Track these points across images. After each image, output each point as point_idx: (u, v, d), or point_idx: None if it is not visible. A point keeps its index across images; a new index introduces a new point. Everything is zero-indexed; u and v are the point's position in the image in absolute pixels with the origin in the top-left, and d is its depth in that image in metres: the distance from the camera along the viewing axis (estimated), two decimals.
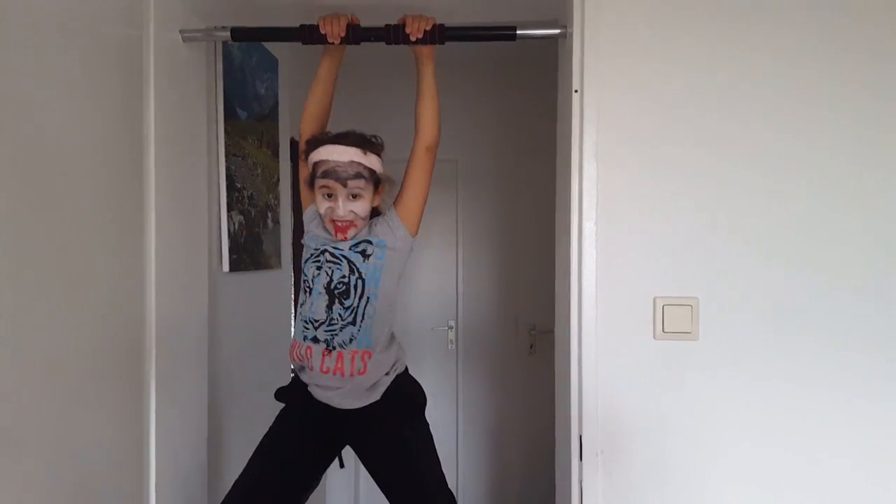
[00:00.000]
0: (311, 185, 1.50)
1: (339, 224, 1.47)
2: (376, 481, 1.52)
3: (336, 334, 1.47)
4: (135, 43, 1.40)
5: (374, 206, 1.52)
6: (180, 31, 1.55)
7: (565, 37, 1.49)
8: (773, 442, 1.43)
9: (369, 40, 1.49)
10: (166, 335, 1.49)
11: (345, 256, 1.49)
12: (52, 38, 1.13)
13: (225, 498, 1.47)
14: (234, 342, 2.02)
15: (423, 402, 1.60)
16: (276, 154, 2.36)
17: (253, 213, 2.13)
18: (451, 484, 1.55)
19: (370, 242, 1.50)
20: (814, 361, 1.42)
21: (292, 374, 1.61)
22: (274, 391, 1.61)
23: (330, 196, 1.46)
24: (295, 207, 2.69)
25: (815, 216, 1.41)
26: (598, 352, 1.43)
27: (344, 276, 1.48)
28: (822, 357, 1.41)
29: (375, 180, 1.49)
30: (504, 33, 1.48)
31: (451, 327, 3.45)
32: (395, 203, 1.54)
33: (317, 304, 1.48)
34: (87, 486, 1.24)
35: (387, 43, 1.49)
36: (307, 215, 1.59)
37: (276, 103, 2.36)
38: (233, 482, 1.48)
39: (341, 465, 1.61)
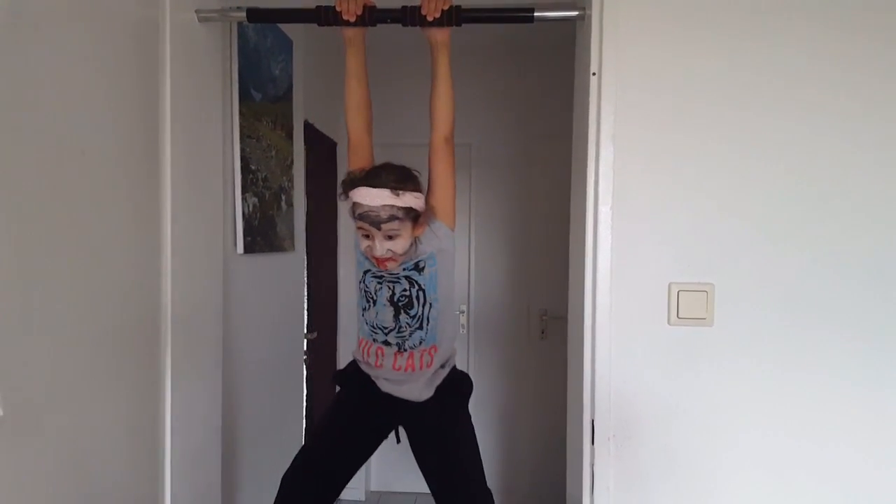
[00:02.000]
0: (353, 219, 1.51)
1: (380, 259, 1.50)
2: (420, 466, 1.60)
3: (406, 339, 1.57)
4: (151, 23, 1.40)
5: (416, 235, 1.51)
6: (196, 12, 1.54)
7: (583, 19, 1.48)
8: (785, 429, 1.42)
9: (385, 22, 1.48)
10: (181, 316, 1.50)
11: (402, 277, 1.54)
12: (68, 18, 1.13)
13: (286, 471, 1.59)
14: (249, 323, 2.04)
15: (470, 390, 1.69)
16: (290, 136, 2.36)
17: (267, 196, 2.14)
18: None
19: (422, 260, 1.54)
20: (826, 349, 1.41)
21: (351, 361, 1.70)
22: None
23: (367, 236, 1.48)
24: (308, 190, 2.69)
25: (830, 205, 1.40)
26: (611, 337, 1.43)
27: (405, 290, 1.55)
28: (835, 345, 1.41)
29: (413, 217, 1.48)
30: (522, 15, 1.47)
31: (462, 312, 3.46)
32: (429, 199, 1.51)
33: (383, 314, 1.57)
34: (102, 464, 1.25)
35: (403, 25, 1.47)
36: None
37: (291, 85, 2.36)
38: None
39: (398, 441, 1.69)
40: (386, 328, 1.58)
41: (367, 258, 1.55)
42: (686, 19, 1.41)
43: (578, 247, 1.52)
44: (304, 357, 2.76)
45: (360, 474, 3.38)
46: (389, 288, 1.55)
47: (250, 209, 2.00)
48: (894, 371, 1.40)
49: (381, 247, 1.47)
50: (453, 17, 1.45)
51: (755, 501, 1.43)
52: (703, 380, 1.43)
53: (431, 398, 1.60)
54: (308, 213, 2.72)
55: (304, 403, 2.82)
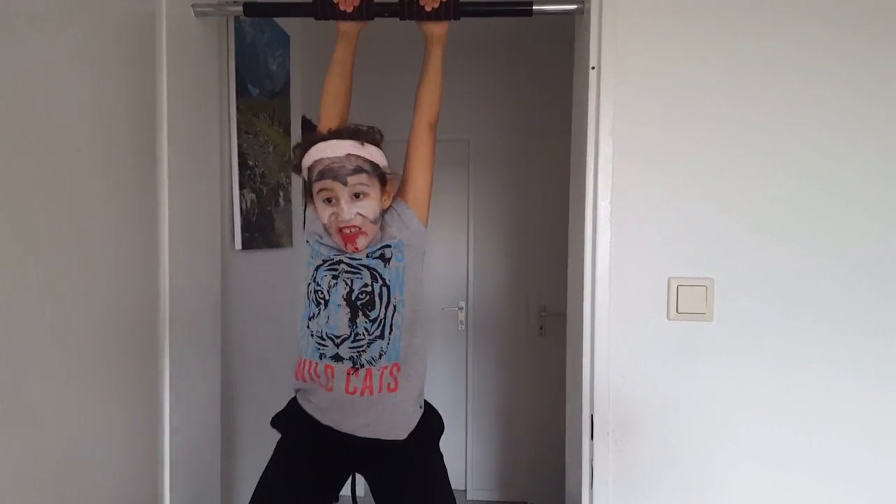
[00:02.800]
0: (310, 194, 1.34)
1: (348, 232, 1.30)
2: None
3: (363, 350, 1.32)
4: (147, 18, 1.39)
5: (385, 207, 1.37)
6: (192, 6, 1.54)
7: (582, 13, 1.47)
8: (784, 423, 1.42)
9: (383, 15, 1.47)
10: (179, 313, 1.49)
11: (364, 266, 1.34)
12: (64, 13, 1.12)
13: None
14: (247, 320, 2.03)
15: (441, 430, 1.46)
16: (287, 132, 2.35)
17: (265, 192, 2.13)
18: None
19: (388, 246, 1.35)
20: (825, 344, 1.41)
21: (292, 399, 1.47)
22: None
23: (330, 201, 1.30)
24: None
25: (829, 201, 1.40)
26: (610, 331, 1.43)
27: (366, 285, 1.32)
28: (834, 340, 1.41)
29: (380, 175, 1.33)
30: (520, 9, 1.46)
31: (461, 308, 3.46)
32: (401, 191, 1.40)
33: (335, 318, 1.32)
34: (100, 464, 1.25)
35: (400, 18, 1.47)
36: (309, 218, 1.44)
37: (288, 80, 2.35)
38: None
39: (354, 501, 1.47)
40: (338, 337, 1.31)
41: (322, 244, 1.36)
42: (687, 14, 1.40)
43: (577, 242, 1.52)
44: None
45: None
46: (346, 283, 1.32)
47: (248, 205, 1.99)
48: (893, 366, 1.40)
49: (349, 210, 1.28)
50: (451, 9, 1.44)
51: (754, 495, 1.44)
52: (702, 374, 1.43)
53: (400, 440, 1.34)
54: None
55: None
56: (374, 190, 1.31)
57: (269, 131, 2.17)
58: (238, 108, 1.90)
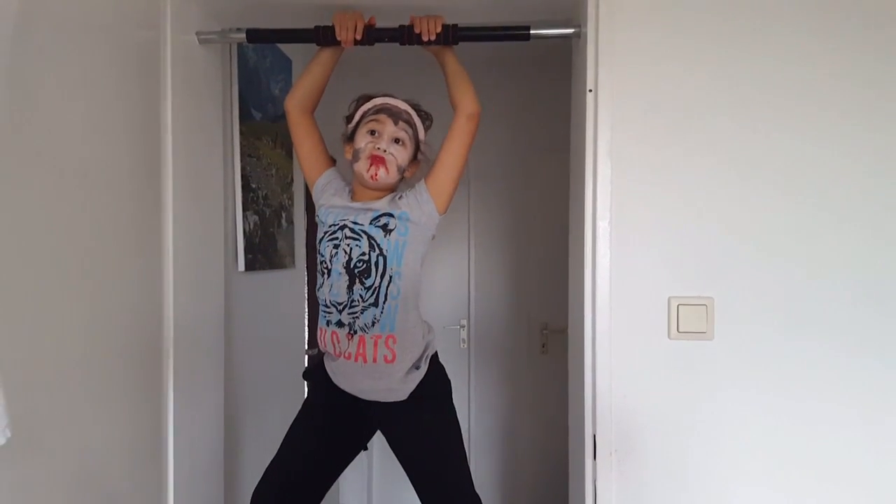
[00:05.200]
0: (351, 138, 1.50)
1: (378, 155, 1.44)
2: (404, 469, 1.50)
3: (357, 317, 1.41)
4: (152, 45, 1.42)
5: (407, 175, 1.51)
6: (196, 34, 1.56)
7: (579, 36, 1.49)
8: (787, 442, 1.42)
9: (383, 41, 1.50)
10: (183, 333, 1.50)
11: (364, 231, 1.42)
12: (71, 41, 1.14)
13: (256, 487, 1.49)
14: (250, 340, 2.04)
15: (445, 389, 1.55)
16: (289, 154, 2.37)
17: (267, 213, 2.15)
18: None
19: (391, 216, 1.43)
20: (827, 363, 1.41)
21: (313, 354, 1.58)
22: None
23: (374, 133, 1.46)
24: (308, 208, 2.70)
25: (829, 220, 1.40)
26: (612, 351, 1.43)
27: (364, 254, 1.41)
28: (835, 359, 1.41)
29: (416, 145, 1.51)
30: (518, 33, 1.49)
31: (462, 326, 3.46)
32: (427, 177, 1.49)
33: (337, 286, 1.42)
34: (106, 480, 1.25)
35: (401, 44, 1.49)
36: (319, 185, 1.55)
37: None
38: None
39: (364, 448, 1.60)
40: (339, 304, 1.42)
41: (330, 210, 1.48)
42: (682, 36, 1.42)
43: (578, 261, 1.53)
44: (313, 354, 2.75)
45: (361, 488, 3.37)
46: (346, 251, 1.41)
47: (251, 227, 2.01)
48: (893, 384, 1.40)
49: (387, 144, 1.45)
50: (450, 35, 1.46)
51: None
52: (704, 394, 1.43)
53: (404, 399, 1.46)
54: (308, 230, 2.73)
55: None
56: (408, 148, 1.49)
57: (272, 154, 2.20)
58: (241, 132, 1.93)
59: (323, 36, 1.49)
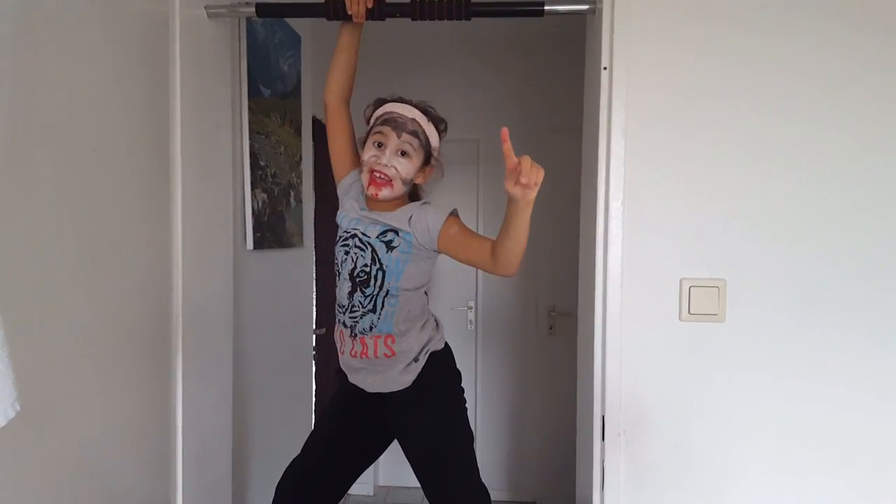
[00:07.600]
0: (364, 141, 1.48)
1: (377, 176, 1.41)
2: (408, 461, 1.51)
3: (357, 321, 1.47)
4: (160, 19, 1.40)
5: (417, 182, 1.50)
6: (205, 7, 1.54)
7: (594, 13, 1.47)
8: (797, 425, 1.41)
9: (394, 16, 1.47)
10: (192, 312, 1.50)
11: (370, 244, 1.44)
12: (79, 15, 1.13)
13: (281, 479, 1.53)
14: (258, 319, 2.04)
15: (449, 380, 1.55)
16: (298, 132, 2.36)
17: (276, 192, 2.14)
18: None
19: (397, 234, 1.43)
20: (838, 346, 1.40)
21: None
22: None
23: (379, 146, 1.42)
24: (317, 186, 2.69)
25: (842, 203, 1.39)
26: (622, 332, 1.43)
27: (366, 265, 1.45)
28: (846, 342, 1.40)
29: (427, 152, 1.47)
30: (532, 9, 1.46)
31: (470, 308, 3.46)
32: (445, 231, 1.41)
33: (343, 290, 1.49)
34: (114, 462, 1.26)
35: (412, 19, 1.47)
36: (343, 185, 1.56)
37: (299, 81, 2.35)
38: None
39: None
40: (343, 306, 1.49)
41: (345, 215, 1.50)
42: (700, 14, 1.39)
43: (589, 242, 1.52)
44: (313, 353, 2.76)
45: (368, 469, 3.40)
46: (353, 260, 1.46)
47: (259, 205, 2.00)
48: None
49: (390, 158, 1.41)
50: (463, 9, 1.44)
51: (768, 498, 1.43)
52: (714, 376, 1.43)
53: (406, 388, 1.48)
54: (316, 209, 2.72)
55: (314, 400, 2.83)
56: (416, 158, 1.45)
57: (281, 132, 2.18)
58: (250, 109, 1.91)
59: (333, 9, 1.47)
